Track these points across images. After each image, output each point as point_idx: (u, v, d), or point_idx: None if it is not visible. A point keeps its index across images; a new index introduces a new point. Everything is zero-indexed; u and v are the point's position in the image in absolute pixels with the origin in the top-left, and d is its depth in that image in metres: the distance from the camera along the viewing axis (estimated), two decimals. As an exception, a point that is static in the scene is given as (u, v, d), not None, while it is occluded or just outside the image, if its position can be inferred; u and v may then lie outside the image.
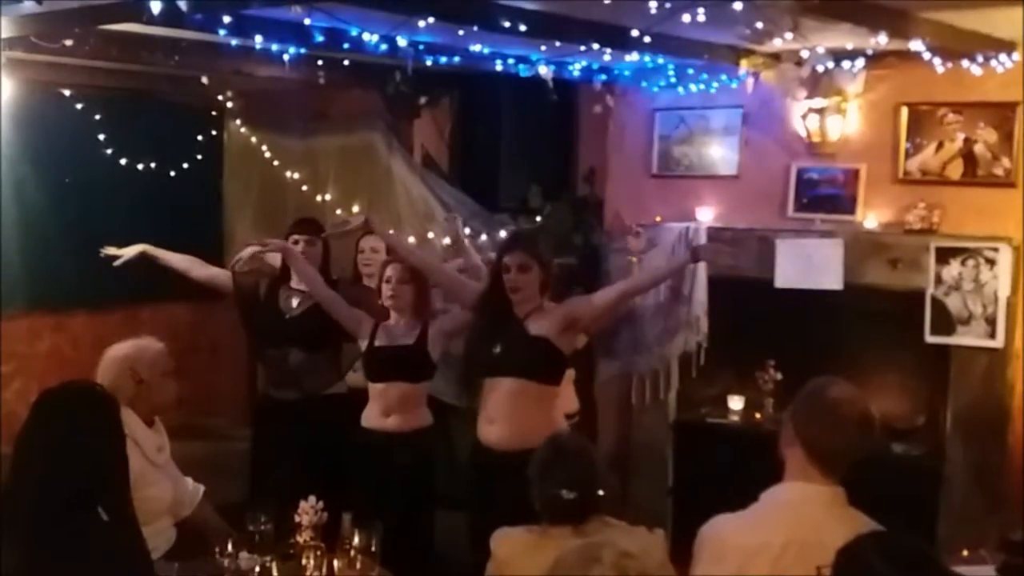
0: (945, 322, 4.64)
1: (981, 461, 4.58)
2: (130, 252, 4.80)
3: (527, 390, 3.94)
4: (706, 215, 5.30)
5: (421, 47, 4.47)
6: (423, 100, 5.97)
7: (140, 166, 5.64)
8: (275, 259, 4.64)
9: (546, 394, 4.00)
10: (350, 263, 4.98)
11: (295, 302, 4.59)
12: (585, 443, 3.01)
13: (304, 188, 5.98)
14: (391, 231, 5.16)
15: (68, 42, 4.17)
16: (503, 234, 5.31)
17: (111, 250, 4.80)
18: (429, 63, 4.69)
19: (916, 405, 4.91)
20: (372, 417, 4.22)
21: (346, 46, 4.23)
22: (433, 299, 4.39)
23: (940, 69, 4.46)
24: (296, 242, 4.56)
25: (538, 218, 5.72)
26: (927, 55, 4.32)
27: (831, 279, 4.84)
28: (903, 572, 1.77)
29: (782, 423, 2.59)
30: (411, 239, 5.49)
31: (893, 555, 1.80)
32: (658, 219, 5.39)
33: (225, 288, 4.75)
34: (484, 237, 4.88)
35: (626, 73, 5.21)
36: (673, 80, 5.19)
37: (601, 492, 2.86)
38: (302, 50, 4.42)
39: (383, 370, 4.21)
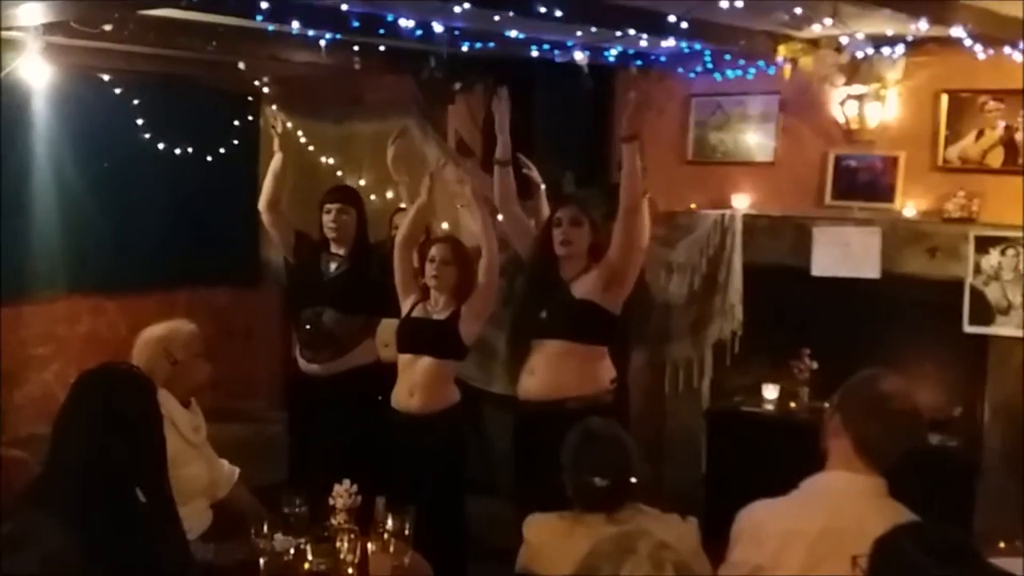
0: (984, 312, 4.59)
1: (1019, 452, 4.54)
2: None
3: (574, 351, 4.01)
4: (742, 202, 5.27)
5: (456, 33, 4.46)
6: (457, 86, 5.96)
7: (177, 151, 5.66)
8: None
9: (593, 353, 4.05)
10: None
11: (333, 266, 4.71)
12: (618, 430, 3.00)
13: (339, 173, 5.99)
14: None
15: (107, 27, 4.19)
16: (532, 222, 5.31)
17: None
18: (464, 49, 4.69)
19: (953, 395, 4.86)
20: (399, 397, 4.23)
21: (381, 32, 4.23)
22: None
23: (981, 56, 4.41)
24: (329, 211, 4.64)
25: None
26: (968, 42, 4.26)
27: (868, 268, 4.81)
28: (941, 563, 1.75)
29: (826, 413, 2.58)
30: (444, 224, 5.50)
31: (931, 546, 1.79)
32: (693, 206, 5.37)
33: (283, 239, 4.88)
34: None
35: (662, 59, 5.17)
36: (710, 66, 5.15)
37: (634, 479, 2.85)
38: (338, 36, 4.43)
39: (412, 341, 4.23)
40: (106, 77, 5.44)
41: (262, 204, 4.87)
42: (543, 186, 4.64)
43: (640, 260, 4.16)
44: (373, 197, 5.66)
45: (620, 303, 4.08)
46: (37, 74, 4.44)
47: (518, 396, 4.11)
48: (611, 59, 5.05)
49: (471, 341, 4.23)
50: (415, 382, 4.18)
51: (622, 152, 3.93)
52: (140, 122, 5.52)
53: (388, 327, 4.65)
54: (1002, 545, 3.33)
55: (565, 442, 2.93)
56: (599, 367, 4.08)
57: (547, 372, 4.01)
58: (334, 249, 4.71)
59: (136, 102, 5.51)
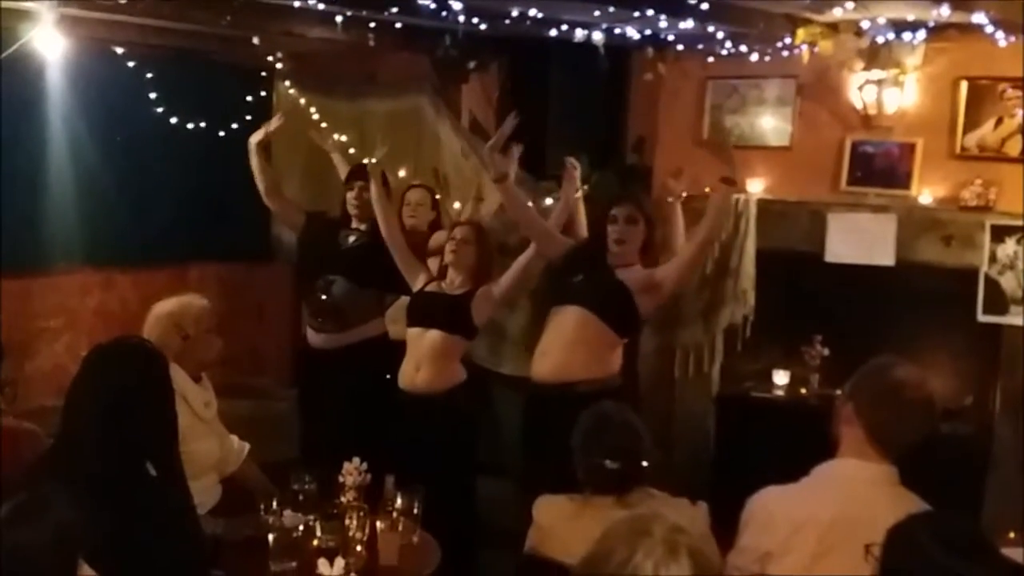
0: (998, 301, 4.57)
1: (1030, 442, 4.52)
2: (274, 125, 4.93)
3: (591, 324, 4.02)
4: (756, 186, 5.24)
5: (472, 11, 4.43)
6: (472, 65, 5.93)
7: (190, 125, 5.65)
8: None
9: (607, 337, 4.06)
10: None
11: (351, 239, 4.75)
12: (630, 414, 2.99)
13: (352, 151, 5.97)
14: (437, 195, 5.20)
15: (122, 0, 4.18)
16: (549, 202, 5.28)
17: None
18: (483, 27, 4.65)
19: (965, 384, 4.85)
20: (406, 373, 4.24)
21: (396, 9, 4.20)
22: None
23: (1002, 43, 4.35)
24: (352, 188, 4.71)
25: (585, 186, 5.67)
26: (989, 28, 4.22)
27: (883, 255, 4.79)
28: (955, 553, 1.75)
29: (838, 400, 2.56)
30: (456, 204, 5.49)
31: (945, 536, 1.78)
32: (707, 190, 5.32)
33: (292, 222, 4.98)
34: (529, 204, 4.85)
35: (678, 44, 5.12)
36: (727, 48, 5.10)
37: (645, 463, 2.85)
38: (353, 12, 4.40)
39: (423, 314, 4.24)
40: (120, 50, 5.41)
41: (263, 193, 4.91)
42: (577, 170, 4.62)
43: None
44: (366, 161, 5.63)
45: (652, 311, 4.14)
46: (52, 46, 4.43)
47: (531, 377, 4.12)
48: (628, 39, 4.99)
49: (481, 323, 4.24)
50: (422, 356, 4.19)
51: (719, 187, 4.03)
52: (153, 96, 5.51)
53: (398, 305, 4.65)
54: (1012, 535, 3.32)
55: (577, 425, 2.93)
56: (610, 354, 4.10)
57: (559, 353, 4.02)
58: (355, 225, 4.75)
59: (150, 76, 5.50)
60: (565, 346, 4.02)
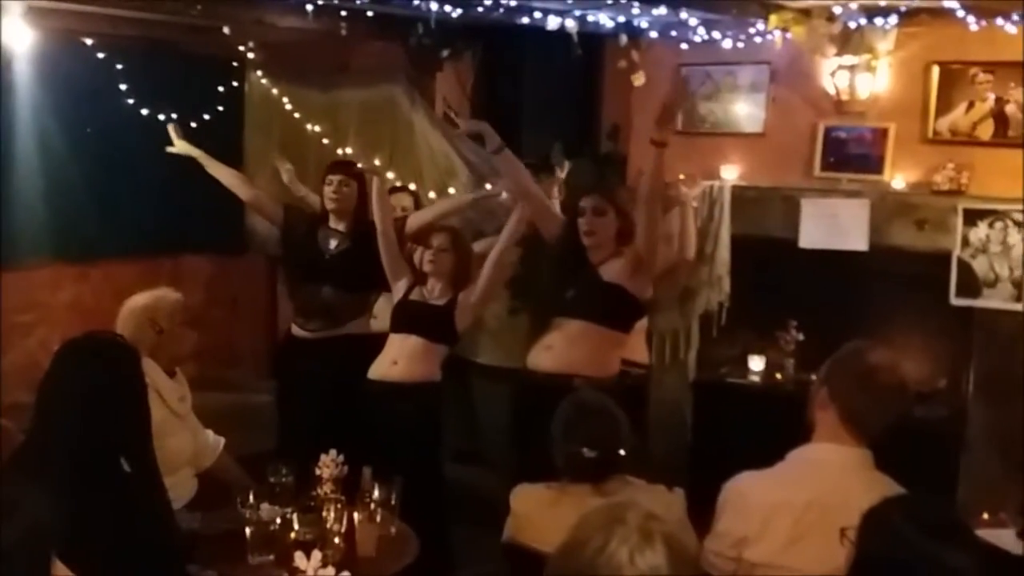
0: (971, 284, 4.61)
1: (1003, 425, 4.57)
2: (184, 149, 4.98)
3: (595, 332, 3.99)
4: (731, 173, 5.25)
5: (445, -1, 4.42)
6: (445, 53, 5.91)
7: (161, 116, 5.60)
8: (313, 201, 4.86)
9: (612, 338, 4.04)
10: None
11: (333, 243, 4.70)
12: (608, 402, 2.99)
13: (325, 141, 5.94)
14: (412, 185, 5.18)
15: (90, -10, 4.13)
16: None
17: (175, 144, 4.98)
18: (455, 15, 4.63)
19: (938, 367, 4.88)
20: (381, 366, 4.24)
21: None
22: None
23: (973, 27, 4.38)
24: (330, 183, 4.66)
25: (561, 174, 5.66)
26: (960, 13, 4.25)
27: (856, 239, 4.81)
28: (929, 536, 1.76)
29: (813, 385, 2.58)
30: (432, 194, 5.47)
31: (920, 519, 1.79)
32: (682, 177, 5.33)
33: (270, 213, 4.95)
34: (505, 195, 4.84)
35: (651, 31, 5.12)
36: (700, 35, 5.10)
37: (622, 451, 2.85)
38: (324, 0, 4.37)
39: (407, 322, 4.25)
40: (89, 41, 5.36)
41: (237, 193, 4.98)
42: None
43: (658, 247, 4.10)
44: (360, 165, 5.61)
45: (649, 286, 4.08)
46: (19, 38, 4.38)
47: (526, 366, 4.09)
48: (601, 27, 4.98)
49: (463, 329, 4.28)
50: (400, 354, 4.20)
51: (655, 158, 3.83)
52: (124, 87, 5.45)
53: (383, 301, 4.66)
54: (985, 517, 3.35)
55: (556, 413, 2.93)
56: (613, 353, 4.07)
57: (563, 349, 4.00)
58: (333, 224, 4.70)
59: (120, 67, 5.43)
60: (570, 344, 3.99)
